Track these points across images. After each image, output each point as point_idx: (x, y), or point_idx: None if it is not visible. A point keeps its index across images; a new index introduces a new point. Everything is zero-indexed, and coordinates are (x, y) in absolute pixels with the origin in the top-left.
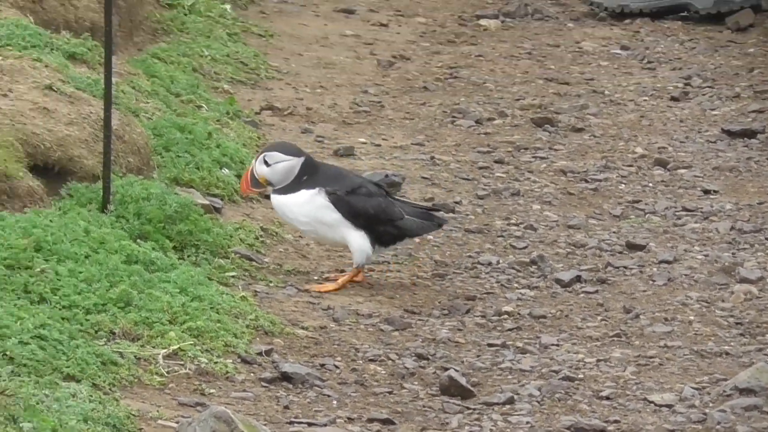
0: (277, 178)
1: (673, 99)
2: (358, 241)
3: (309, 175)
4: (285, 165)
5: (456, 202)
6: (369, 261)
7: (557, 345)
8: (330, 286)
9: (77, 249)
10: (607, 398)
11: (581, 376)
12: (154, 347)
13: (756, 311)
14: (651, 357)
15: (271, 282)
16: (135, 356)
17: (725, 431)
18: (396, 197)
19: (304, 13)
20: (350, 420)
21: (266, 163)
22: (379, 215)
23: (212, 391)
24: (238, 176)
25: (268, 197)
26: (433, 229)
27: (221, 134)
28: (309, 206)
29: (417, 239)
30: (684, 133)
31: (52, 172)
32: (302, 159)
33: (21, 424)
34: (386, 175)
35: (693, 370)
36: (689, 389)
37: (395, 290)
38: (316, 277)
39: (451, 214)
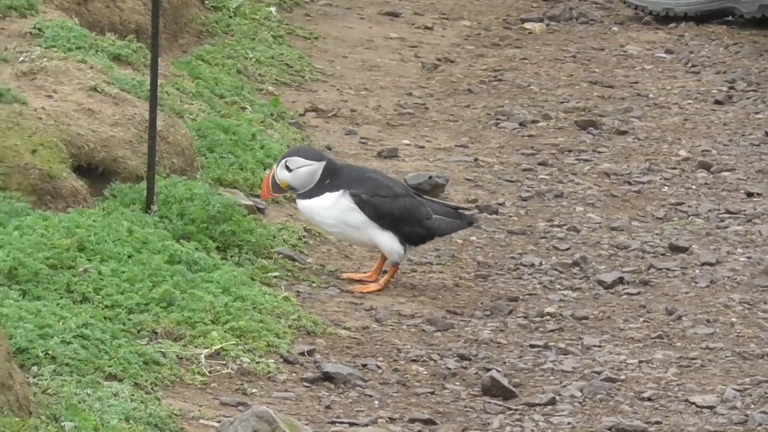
0: (299, 182)
1: (717, 102)
2: (387, 241)
3: (331, 178)
4: (307, 170)
5: (499, 204)
6: (403, 259)
7: (599, 346)
8: (372, 286)
9: (120, 249)
10: (649, 399)
11: (623, 377)
12: (196, 347)
13: None
14: (693, 358)
15: (313, 282)
16: (177, 356)
17: None
18: (425, 197)
19: (348, 16)
20: (392, 420)
21: (288, 168)
22: (405, 216)
23: (254, 390)
24: None
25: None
26: (463, 228)
27: (265, 135)
28: (334, 209)
29: (454, 238)
30: (728, 136)
31: (95, 172)
32: (323, 163)
33: (63, 423)
34: (430, 177)
35: (735, 371)
36: (731, 391)
37: (438, 291)
38: (347, 269)
39: (494, 216)
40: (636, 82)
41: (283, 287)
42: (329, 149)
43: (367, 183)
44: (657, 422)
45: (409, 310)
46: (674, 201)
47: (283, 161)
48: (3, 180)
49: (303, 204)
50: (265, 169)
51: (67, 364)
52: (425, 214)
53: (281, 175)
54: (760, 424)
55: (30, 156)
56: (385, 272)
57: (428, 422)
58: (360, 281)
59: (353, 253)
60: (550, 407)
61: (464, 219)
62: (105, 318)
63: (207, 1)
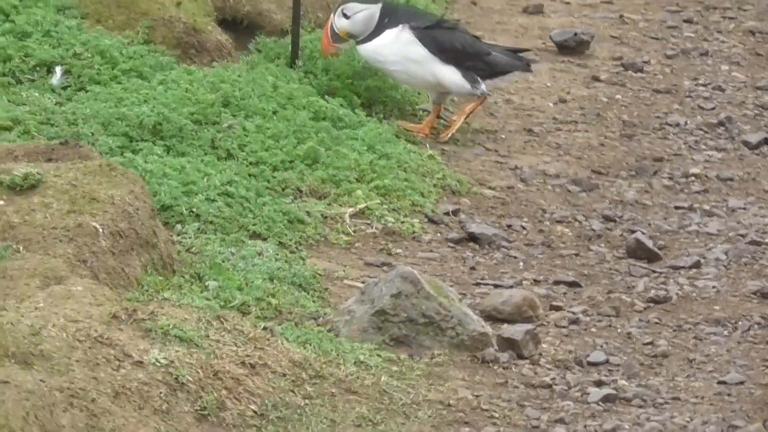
0: (358, 28)
1: None
2: (449, 74)
3: (389, 17)
4: (364, 14)
5: (644, 62)
6: (479, 89)
7: (744, 208)
8: (447, 131)
9: (265, 104)
10: None
11: None
12: (341, 205)
13: None
14: None
15: (458, 141)
16: (322, 215)
17: None
18: (481, 40)
19: None
20: (536, 282)
21: (345, 15)
22: (466, 49)
23: (398, 251)
24: None
25: None
26: (521, 69)
27: None
28: (397, 44)
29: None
30: None
31: (240, 26)
32: (379, 4)
33: (206, 282)
34: (575, 33)
35: None
36: None
37: (583, 150)
38: (492, 126)
39: (639, 74)
40: None
41: (428, 145)
42: (474, 4)
43: (425, 18)
44: None
45: (554, 170)
46: None
47: (340, 9)
48: (148, 33)
49: (365, 48)
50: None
51: (211, 222)
52: (485, 50)
53: (339, 23)
54: None
55: (175, 9)
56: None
57: (573, 284)
58: (425, 133)
59: (498, 110)
60: (694, 270)
61: (522, 60)
62: (249, 175)
63: None
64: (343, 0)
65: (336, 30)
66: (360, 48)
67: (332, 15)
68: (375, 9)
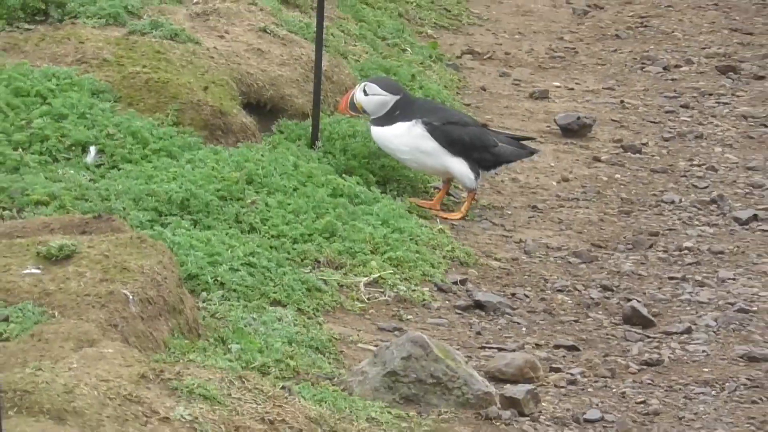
0: (370, 108)
1: None
2: (458, 167)
3: (402, 110)
4: (379, 98)
5: (643, 144)
6: (476, 184)
7: (734, 279)
8: (455, 215)
9: (286, 182)
10: None
11: (755, 308)
12: (356, 275)
13: None
14: None
15: (467, 216)
16: (338, 283)
17: None
18: (491, 128)
19: None
20: (538, 346)
21: (365, 92)
22: (474, 143)
23: (409, 317)
24: None
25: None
26: (526, 156)
27: (424, 76)
28: (407, 137)
29: (513, 165)
30: None
31: (264, 109)
32: (397, 97)
33: (229, 345)
34: (578, 117)
35: None
36: None
37: (583, 225)
38: (498, 203)
39: (637, 155)
40: None
41: (438, 220)
42: (484, 90)
43: (438, 112)
44: None
45: (556, 243)
46: None
47: (363, 85)
48: (177, 115)
49: (376, 131)
50: None
51: (234, 290)
52: (492, 142)
53: (358, 96)
54: None
55: (202, 93)
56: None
57: (572, 348)
58: (437, 210)
59: (504, 188)
60: (686, 336)
61: (526, 149)
62: (271, 247)
63: None
64: (371, 78)
65: (354, 101)
66: (373, 130)
67: (357, 86)
68: (390, 99)
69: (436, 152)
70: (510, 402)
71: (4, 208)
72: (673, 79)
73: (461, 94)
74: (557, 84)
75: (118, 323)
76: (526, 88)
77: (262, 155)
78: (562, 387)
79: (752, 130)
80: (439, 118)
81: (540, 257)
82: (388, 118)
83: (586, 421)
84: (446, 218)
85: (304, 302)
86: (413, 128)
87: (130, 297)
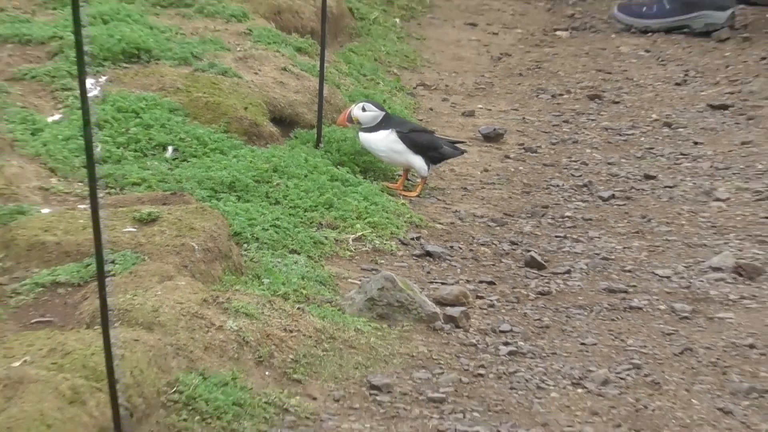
0: (365, 121)
1: (677, 84)
2: (418, 162)
3: (385, 122)
4: (373, 114)
5: (538, 146)
6: (427, 173)
7: (598, 237)
8: (412, 193)
9: (300, 171)
10: (629, 271)
11: (613, 257)
12: (346, 233)
13: (724, 218)
14: (657, 246)
15: (420, 195)
16: (334, 239)
17: (702, 294)
18: (438, 136)
19: (445, 25)
20: (468, 281)
21: (363, 109)
22: (428, 145)
23: (382, 261)
24: None
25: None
26: (460, 155)
27: (392, 101)
28: (385, 141)
29: (451, 160)
30: (683, 106)
31: (285, 122)
32: (383, 113)
33: (263, 280)
34: (494, 129)
35: (684, 255)
36: (681, 267)
37: (498, 201)
38: (439, 186)
39: (534, 154)
40: (626, 70)
41: (401, 197)
42: (431, 110)
43: (406, 124)
44: (633, 286)
45: (480, 213)
46: (648, 146)
47: (362, 104)
48: (226, 126)
49: (364, 136)
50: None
51: (265, 243)
52: (439, 144)
53: (356, 112)
54: (698, 288)
55: (243, 111)
56: (409, 183)
57: (490, 283)
58: (401, 190)
59: (445, 176)
60: (567, 275)
61: (459, 150)
62: (290, 214)
63: (355, 14)
64: (366, 99)
65: (352, 115)
66: (361, 135)
67: (354, 105)
68: (379, 114)
69: (404, 152)
70: (450, 318)
71: (111, 187)
72: (558, 104)
73: (416, 113)
74: (480, 106)
75: (187, 265)
76: (459, 109)
77: (283, 153)
78: (484, 309)
79: (611, 138)
80: (406, 128)
81: (469, 222)
82: (373, 127)
83: (501, 331)
84: (406, 195)
85: (312, 251)
86: (389, 135)
87: (196, 247)
